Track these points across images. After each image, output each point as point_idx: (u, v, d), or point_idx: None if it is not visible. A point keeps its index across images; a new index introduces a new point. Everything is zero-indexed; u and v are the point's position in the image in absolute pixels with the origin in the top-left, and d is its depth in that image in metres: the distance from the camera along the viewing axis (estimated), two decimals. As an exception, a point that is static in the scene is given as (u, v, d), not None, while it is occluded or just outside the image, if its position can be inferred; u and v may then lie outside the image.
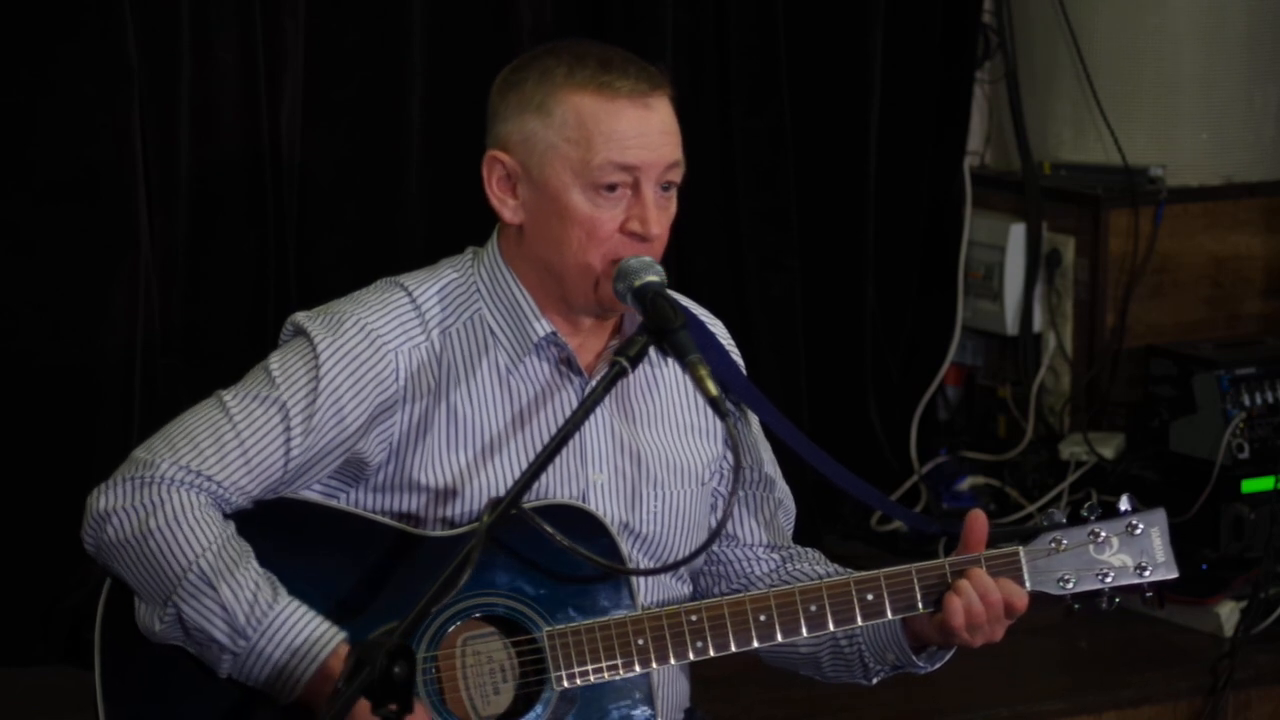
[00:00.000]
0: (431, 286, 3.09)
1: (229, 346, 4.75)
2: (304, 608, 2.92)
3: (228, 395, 2.99)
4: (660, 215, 3.02)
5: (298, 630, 2.90)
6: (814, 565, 3.23)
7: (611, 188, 2.99)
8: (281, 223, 4.79)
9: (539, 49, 3.08)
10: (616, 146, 2.97)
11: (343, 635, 2.92)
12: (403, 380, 3.02)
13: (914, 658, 3.13)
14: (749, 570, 3.24)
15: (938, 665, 3.16)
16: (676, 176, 3.04)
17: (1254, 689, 4.79)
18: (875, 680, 3.20)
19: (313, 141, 4.84)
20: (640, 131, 2.99)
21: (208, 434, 2.95)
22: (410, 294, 3.07)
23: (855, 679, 3.21)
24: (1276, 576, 4.95)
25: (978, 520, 3.09)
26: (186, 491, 2.92)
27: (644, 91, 2.99)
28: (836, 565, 3.21)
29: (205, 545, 2.90)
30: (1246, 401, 5.14)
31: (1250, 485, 5.09)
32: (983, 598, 3.03)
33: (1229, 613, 4.97)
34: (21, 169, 4.59)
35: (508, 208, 3.05)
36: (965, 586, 3.03)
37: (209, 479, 2.94)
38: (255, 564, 2.94)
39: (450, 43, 4.94)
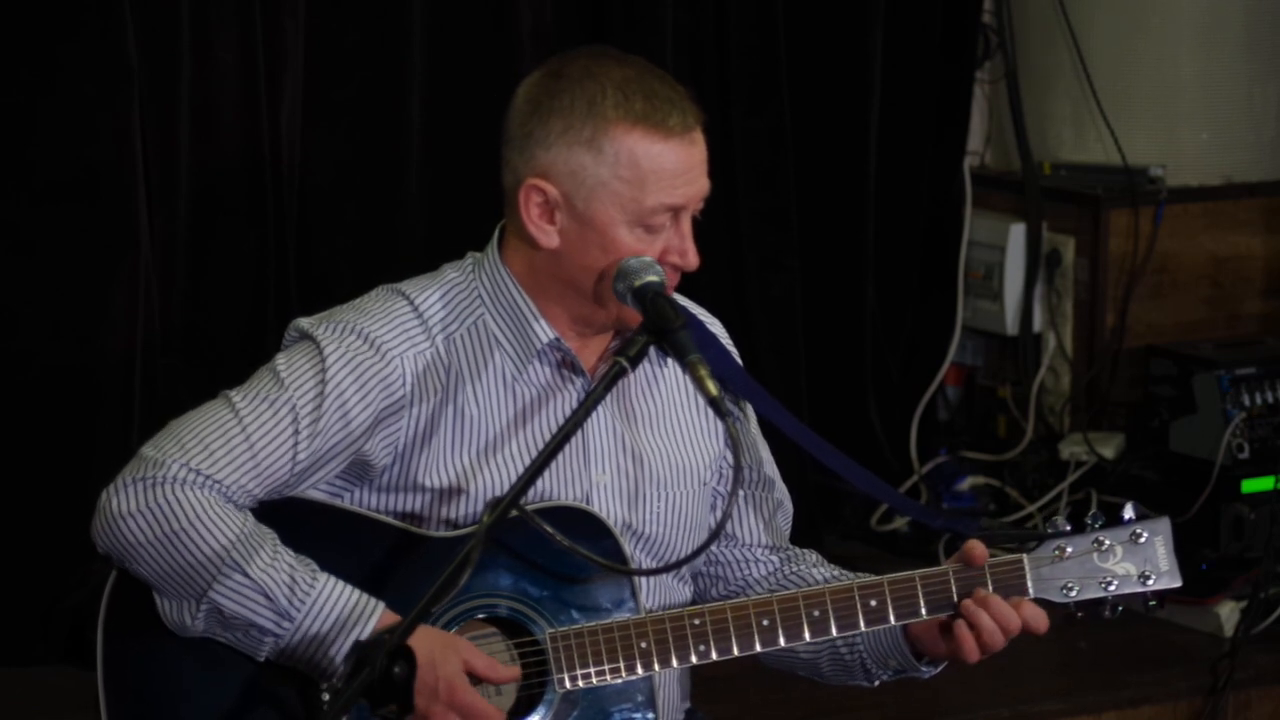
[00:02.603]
0: (433, 293, 3.09)
1: (229, 346, 4.75)
2: (340, 582, 2.93)
3: (236, 396, 2.99)
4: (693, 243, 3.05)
5: (341, 605, 2.91)
6: (813, 568, 3.23)
7: (660, 226, 3.01)
8: (281, 223, 4.79)
9: (569, 64, 3.04)
10: (668, 188, 2.99)
11: (383, 604, 2.93)
12: (409, 385, 3.03)
13: (918, 664, 3.13)
14: (747, 573, 3.25)
15: (940, 669, 3.17)
16: (703, 203, 3.07)
17: (1254, 689, 4.79)
18: (877, 683, 3.21)
19: (313, 141, 4.84)
20: (687, 168, 3.00)
21: (217, 435, 2.95)
22: (411, 301, 3.07)
23: (857, 682, 3.21)
24: (1276, 576, 4.95)
25: (976, 550, 3.09)
26: (196, 490, 2.92)
27: (690, 126, 3.01)
28: (836, 567, 3.22)
29: (233, 538, 2.91)
30: (1246, 401, 5.14)
31: (1250, 485, 5.09)
32: (1004, 626, 3.04)
33: (1229, 613, 4.97)
34: (21, 169, 4.58)
35: (545, 234, 3.03)
36: (984, 619, 3.03)
37: (217, 481, 2.94)
38: (284, 547, 2.95)
39: (450, 43, 4.94)
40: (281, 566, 2.92)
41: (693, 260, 3.04)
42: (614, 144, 2.98)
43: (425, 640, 2.85)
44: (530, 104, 3.03)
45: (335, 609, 2.91)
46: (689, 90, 3.05)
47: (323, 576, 2.93)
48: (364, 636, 2.90)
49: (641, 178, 2.98)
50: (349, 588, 2.93)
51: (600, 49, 3.09)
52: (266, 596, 2.90)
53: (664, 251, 3.02)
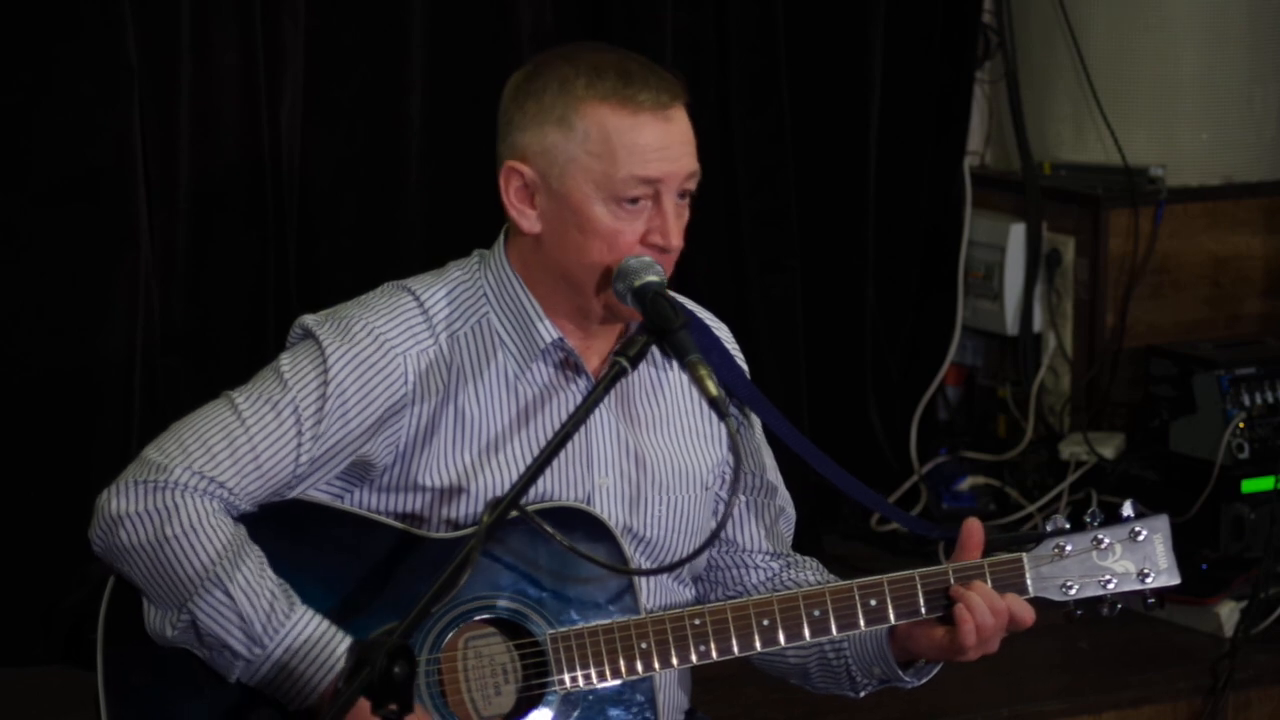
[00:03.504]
0: (438, 290, 3.09)
1: (229, 347, 4.75)
2: (318, 617, 2.93)
3: (239, 397, 2.99)
4: (678, 225, 3.03)
5: (314, 640, 2.91)
6: (812, 574, 3.23)
7: (634, 200, 2.99)
8: (281, 223, 4.79)
9: (552, 54, 3.06)
10: (639, 160, 2.97)
11: (349, 640, 2.91)
12: (411, 383, 3.02)
13: (900, 673, 3.13)
14: (745, 577, 3.24)
15: (924, 680, 3.17)
16: (693, 185, 3.05)
17: (1254, 689, 4.79)
18: (862, 694, 3.21)
19: (313, 141, 4.84)
20: (662, 144, 2.99)
21: (220, 436, 2.95)
22: (417, 298, 3.07)
23: (843, 691, 3.21)
24: (1276, 576, 4.96)
25: (973, 528, 3.09)
26: (199, 498, 2.92)
27: (665, 103, 3.00)
28: (834, 575, 3.21)
29: (220, 553, 2.91)
30: (1246, 401, 5.14)
31: (1250, 485, 5.09)
32: (992, 607, 3.03)
33: (1229, 613, 4.97)
34: (21, 169, 4.58)
35: (526, 218, 3.04)
36: (976, 603, 3.03)
37: (221, 484, 2.93)
38: (270, 571, 2.94)
39: (450, 43, 4.94)
40: (264, 592, 2.91)
41: (675, 240, 3.01)
42: (584, 120, 2.98)
43: None
44: (510, 93, 3.06)
45: (308, 644, 2.90)
46: (676, 74, 3.04)
47: (300, 608, 2.93)
48: (333, 676, 2.89)
49: (611, 151, 2.97)
50: (325, 623, 2.92)
51: (587, 42, 3.11)
52: (243, 619, 2.90)
53: (646, 232, 3.00)
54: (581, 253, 3.01)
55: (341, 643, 2.92)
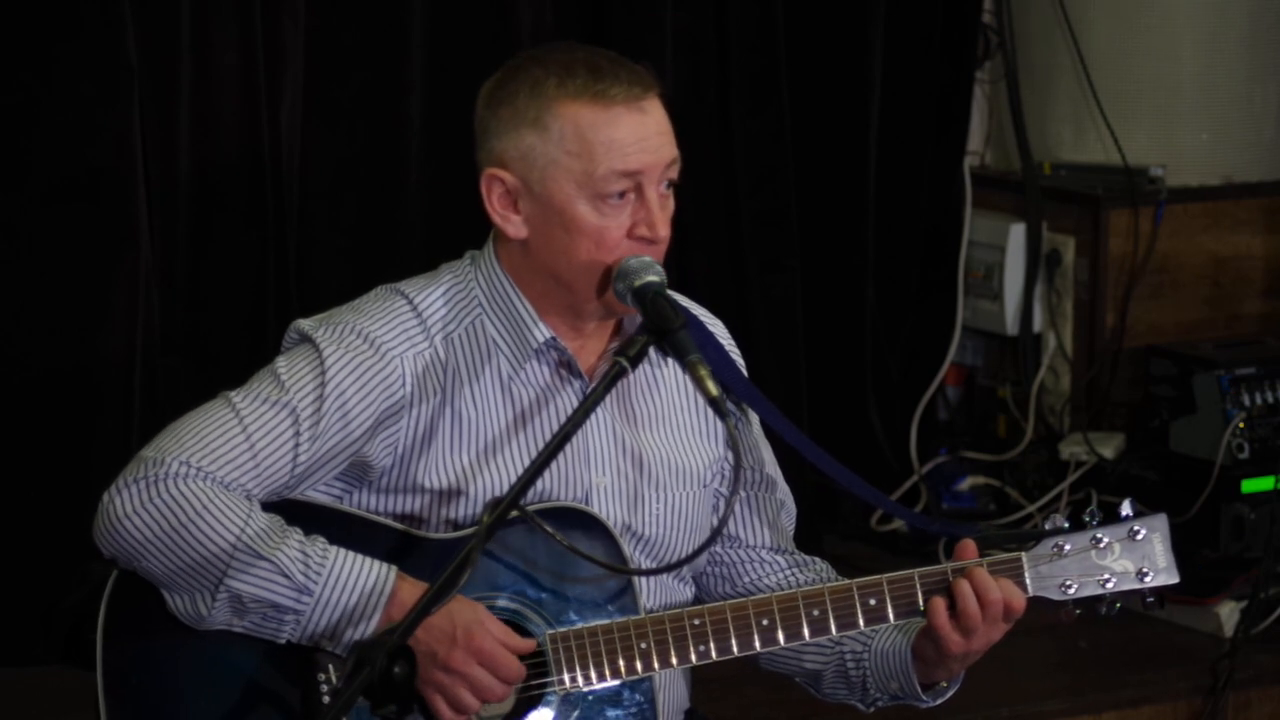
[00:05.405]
0: (432, 293, 3.09)
1: (229, 347, 4.75)
2: (351, 552, 2.94)
3: (236, 397, 2.99)
4: (663, 215, 3.02)
5: (356, 572, 2.92)
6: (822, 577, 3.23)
7: (619, 195, 2.99)
8: (281, 223, 4.79)
9: (522, 58, 3.07)
10: (618, 155, 2.97)
11: (395, 567, 2.94)
12: (409, 386, 3.03)
13: (920, 691, 3.12)
14: (758, 577, 3.23)
15: (939, 702, 3.16)
16: (675, 174, 3.05)
17: (1254, 689, 4.79)
18: (872, 708, 3.21)
19: (313, 141, 4.84)
20: (639, 136, 2.99)
21: (217, 434, 2.96)
22: (411, 301, 3.07)
23: (853, 701, 3.22)
24: (1276, 576, 4.96)
25: (967, 546, 3.09)
26: (196, 481, 2.92)
27: (637, 95, 3.00)
28: (843, 578, 3.20)
29: (242, 523, 2.91)
30: (1246, 401, 5.14)
31: (1250, 485, 5.09)
32: (982, 597, 3.03)
33: (1229, 613, 4.97)
34: (21, 169, 4.58)
35: (511, 224, 3.04)
36: (962, 586, 3.02)
37: (217, 479, 2.93)
38: (289, 525, 2.95)
39: (450, 43, 4.94)
40: (293, 543, 2.93)
41: (661, 231, 3.01)
42: (558, 120, 2.98)
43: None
44: (484, 100, 3.06)
45: (352, 576, 2.92)
46: (648, 66, 3.04)
47: (331, 547, 2.94)
48: (384, 600, 2.91)
49: (589, 149, 2.97)
50: (360, 556, 2.94)
51: (558, 42, 3.12)
52: (284, 574, 2.91)
53: (631, 225, 3.00)
54: (569, 253, 3.01)
55: (382, 567, 2.92)
